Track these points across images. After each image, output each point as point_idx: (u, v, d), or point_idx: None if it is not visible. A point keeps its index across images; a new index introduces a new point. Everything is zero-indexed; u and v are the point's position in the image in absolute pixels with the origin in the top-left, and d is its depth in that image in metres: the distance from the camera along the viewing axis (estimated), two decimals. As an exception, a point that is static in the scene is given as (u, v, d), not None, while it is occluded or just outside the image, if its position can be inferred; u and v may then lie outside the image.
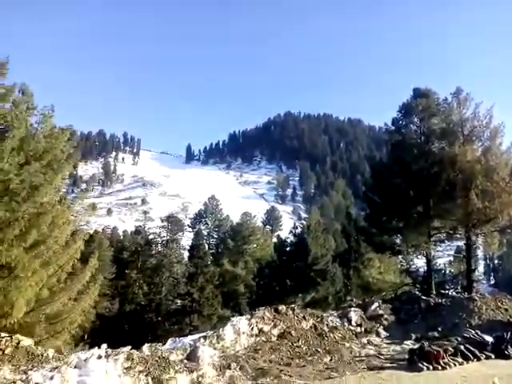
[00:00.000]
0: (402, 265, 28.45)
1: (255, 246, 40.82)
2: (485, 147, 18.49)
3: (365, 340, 9.23)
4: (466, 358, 8.06)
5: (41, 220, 10.59)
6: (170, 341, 7.39)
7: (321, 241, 27.82)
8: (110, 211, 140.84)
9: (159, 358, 6.14)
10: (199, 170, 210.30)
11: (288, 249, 27.37)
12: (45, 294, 11.23)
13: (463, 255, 20.71)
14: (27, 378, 4.73)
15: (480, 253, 49.71)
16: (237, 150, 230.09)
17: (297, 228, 29.17)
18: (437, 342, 8.87)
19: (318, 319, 9.28)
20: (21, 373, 4.87)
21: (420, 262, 26.39)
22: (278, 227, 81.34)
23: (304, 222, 32.74)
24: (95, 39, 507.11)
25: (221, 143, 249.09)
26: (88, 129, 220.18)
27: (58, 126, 12.19)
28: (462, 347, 8.20)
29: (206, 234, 66.25)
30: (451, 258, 37.73)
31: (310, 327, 8.85)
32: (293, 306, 9.43)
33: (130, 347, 6.31)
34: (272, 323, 8.30)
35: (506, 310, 12.41)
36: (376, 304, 11.16)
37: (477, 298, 13.16)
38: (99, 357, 5.57)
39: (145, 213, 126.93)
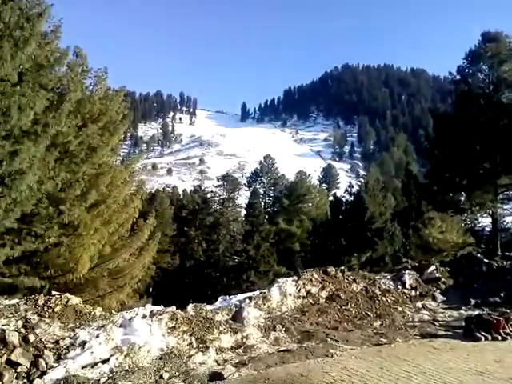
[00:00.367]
0: (465, 224, 27.01)
1: (310, 204, 40.49)
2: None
3: (419, 304, 8.78)
4: (531, 329, 7.29)
5: (100, 180, 10.99)
6: (220, 298, 7.46)
7: (379, 199, 26.95)
8: (170, 171, 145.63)
9: (203, 318, 6.17)
10: (254, 128, 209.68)
11: (344, 207, 26.80)
12: (107, 251, 11.82)
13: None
14: (75, 335, 4.96)
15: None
16: (292, 107, 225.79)
17: (352, 186, 28.37)
18: (498, 309, 8.29)
19: (370, 282, 8.93)
20: (69, 330, 5.12)
21: (486, 221, 24.88)
22: (335, 185, 79.92)
23: (362, 180, 31.82)
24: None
25: (276, 100, 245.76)
26: (146, 90, 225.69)
27: (112, 88, 12.37)
28: (525, 316, 7.44)
29: (262, 192, 66.65)
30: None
31: (361, 290, 8.53)
32: (342, 267, 9.09)
33: (174, 307, 6.42)
34: (320, 285, 8.09)
35: None
36: (433, 266, 10.51)
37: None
38: (144, 316, 5.72)
39: (201, 172, 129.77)
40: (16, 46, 8.11)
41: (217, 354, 5.48)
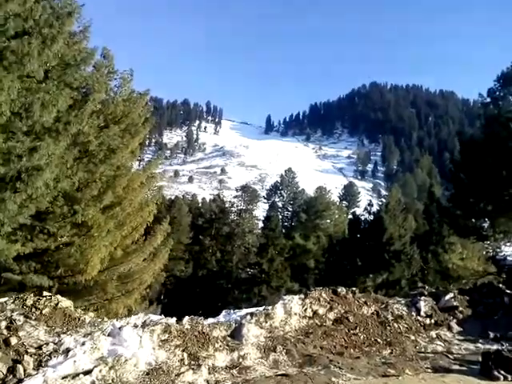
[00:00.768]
0: (487, 252, 26.10)
1: (329, 221, 39.98)
2: None
3: (434, 334, 8.16)
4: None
5: (117, 182, 10.93)
6: (223, 312, 7.13)
7: (399, 220, 26.36)
8: (191, 179, 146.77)
9: (199, 332, 5.77)
10: (278, 141, 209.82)
11: (362, 227, 26.30)
12: (118, 254, 11.70)
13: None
14: (60, 341, 4.66)
15: None
16: (317, 122, 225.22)
17: (372, 205, 27.85)
18: None
19: (382, 306, 8.41)
20: (55, 335, 4.81)
21: (508, 250, 23.97)
22: (355, 204, 78.81)
23: (383, 200, 31.28)
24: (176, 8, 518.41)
25: (301, 114, 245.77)
26: (174, 98, 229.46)
27: (136, 91, 12.41)
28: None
29: (280, 206, 66.33)
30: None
31: (372, 314, 8.01)
32: (354, 288, 8.62)
33: (170, 318, 6.12)
34: (328, 306, 7.61)
35: None
36: (451, 294, 9.85)
37: None
38: (135, 326, 5.37)
39: (220, 182, 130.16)
40: (44, 43, 8.17)
41: (209, 373, 5.05)
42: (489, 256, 25.04)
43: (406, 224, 26.94)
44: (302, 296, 7.56)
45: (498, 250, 26.65)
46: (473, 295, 10.54)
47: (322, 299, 7.58)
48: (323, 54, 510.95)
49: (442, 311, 9.19)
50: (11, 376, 4.11)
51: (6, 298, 5.45)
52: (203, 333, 5.76)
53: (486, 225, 18.46)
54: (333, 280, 23.03)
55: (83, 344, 4.65)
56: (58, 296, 5.92)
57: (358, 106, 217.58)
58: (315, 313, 7.37)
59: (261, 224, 40.75)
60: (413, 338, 7.68)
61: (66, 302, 5.71)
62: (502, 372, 6.09)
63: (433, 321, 8.73)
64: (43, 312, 5.28)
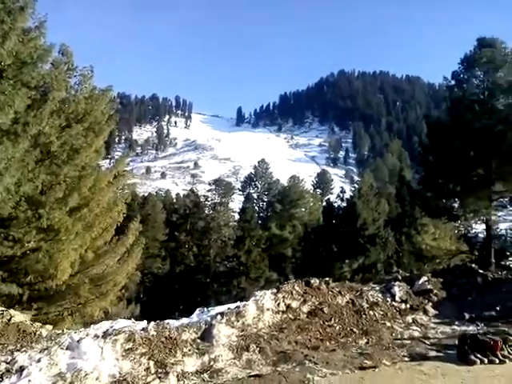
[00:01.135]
0: (458, 231, 26.76)
1: (303, 210, 40.15)
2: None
3: (410, 319, 8.12)
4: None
5: (82, 183, 10.55)
6: (197, 311, 6.90)
7: (372, 205, 26.68)
8: (163, 174, 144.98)
9: (166, 338, 5.50)
10: (250, 132, 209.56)
11: (336, 213, 26.50)
12: (90, 257, 11.36)
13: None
14: (13, 359, 4.31)
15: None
16: (288, 112, 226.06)
17: (344, 192, 28.07)
18: (493, 325, 7.73)
19: (357, 294, 8.33)
20: (7, 353, 4.45)
21: (479, 228, 24.62)
22: (329, 191, 79.58)
23: (356, 186, 31.59)
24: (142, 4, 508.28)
25: (271, 105, 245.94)
26: (141, 93, 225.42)
27: (98, 88, 11.95)
28: (527, 336, 6.67)
29: (255, 197, 66.30)
30: (515, 224, 35.09)
31: (347, 303, 7.89)
32: (327, 278, 8.48)
33: (134, 325, 5.82)
34: (302, 298, 7.44)
35: None
36: (424, 277, 9.88)
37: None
38: (96, 336, 5.06)
39: (193, 176, 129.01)
40: (-5, 40, 7.75)
41: (178, 380, 4.82)
42: (461, 234, 25.72)
43: (379, 208, 27.29)
44: (275, 290, 7.40)
45: (469, 228, 27.42)
46: (446, 277, 10.63)
47: (294, 292, 7.43)
48: (291, 45, 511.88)
49: (416, 295, 9.19)
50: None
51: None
52: (170, 338, 5.48)
53: (456, 205, 18.82)
54: (310, 268, 23.18)
55: (39, 361, 4.33)
56: (11, 310, 5.58)
57: (327, 94, 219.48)
58: (288, 307, 7.21)
59: (237, 216, 40.62)
60: (389, 324, 7.63)
61: (19, 317, 5.39)
62: (479, 355, 6.12)
63: (408, 305, 8.70)
64: (-5, 328, 4.90)
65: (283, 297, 7.22)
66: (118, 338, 5.06)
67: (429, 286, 9.55)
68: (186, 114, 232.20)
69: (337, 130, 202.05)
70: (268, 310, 6.87)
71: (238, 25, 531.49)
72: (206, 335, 5.84)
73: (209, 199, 38.32)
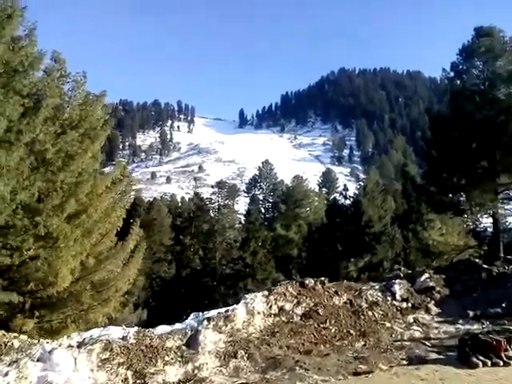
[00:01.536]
0: (467, 225, 26.36)
1: (308, 209, 39.90)
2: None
3: (411, 318, 7.73)
4: (538, 350, 6.01)
5: (79, 189, 10.46)
6: (192, 315, 6.65)
7: (378, 202, 26.35)
8: (168, 179, 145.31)
9: (146, 346, 5.22)
10: (253, 134, 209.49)
11: (341, 212, 26.21)
12: (91, 263, 11.28)
13: (536, 213, 18.53)
14: None
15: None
16: (290, 112, 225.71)
17: (347, 190, 27.79)
18: (499, 322, 7.38)
19: (356, 293, 7.99)
20: None
21: (488, 222, 24.23)
22: (335, 190, 79.20)
23: (362, 184, 31.29)
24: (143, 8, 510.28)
25: (273, 106, 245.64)
26: (143, 99, 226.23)
27: (92, 93, 11.90)
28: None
29: (261, 198, 66.12)
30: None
31: (344, 303, 7.53)
32: (323, 278, 8.13)
33: (113, 333, 5.55)
34: (295, 300, 7.09)
35: None
36: (426, 275, 9.47)
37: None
38: (69, 347, 4.82)
39: (195, 179, 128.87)
40: (-17, 49, 7.69)
41: None
42: (469, 229, 25.33)
43: (385, 205, 26.97)
44: (266, 293, 7.10)
45: (478, 222, 26.99)
46: (449, 273, 10.22)
47: (288, 294, 7.13)
48: (290, 45, 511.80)
49: (418, 293, 8.82)
50: None
51: None
52: (151, 346, 5.22)
53: (462, 199, 18.49)
54: (315, 268, 22.94)
55: (6, 374, 4.09)
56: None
57: (329, 92, 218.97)
58: (281, 309, 6.90)
59: (243, 218, 40.45)
60: (388, 325, 7.30)
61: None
62: (481, 357, 5.71)
63: (409, 304, 8.35)
64: (-36, 341, 4.68)
65: (275, 299, 6.92)
66: (93, 348, 4.83)
67: (431, 284, 9.19)
68: (189, 118, 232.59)
69: (340, 128, 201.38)
70: (259, 313, 6.58)
71: (235, 27, 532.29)
72: (192, 342, 5.57)
73: (213, 202, 38.15)
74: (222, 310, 6.53)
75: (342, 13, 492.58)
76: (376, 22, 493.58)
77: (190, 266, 32.28)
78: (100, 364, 4.75)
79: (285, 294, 7.12)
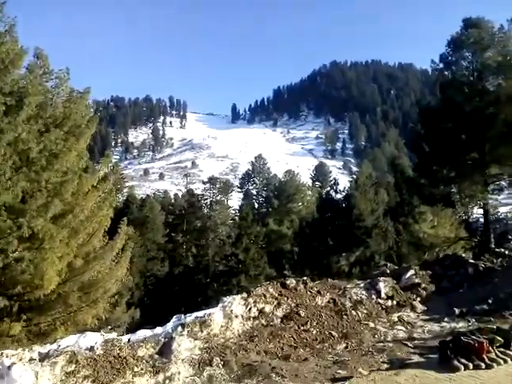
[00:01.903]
0: (459, 217, 26.35)
1: (300, 204, 39.76)
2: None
3: (395, 317, 7.50)
4: (523, 351, 5.77)
5: (64, 189, 10.23)
6: (174, 318, 6.43)
7: (370, 195, 26.22)
8: (162, 175, 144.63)
9: (115, 357, 4.95)
10: (246, 129, 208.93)
11: (332, 206, 26.05)
12: (78, 264, 11.08)
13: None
14: None
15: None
16: (282, 106, 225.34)
17: (338, 184, 27.64)
18: (485, 320, 7.17)
19: (340, 292, 7.80)
20: None
21: (480, 213, 24.23)
22: (328, 183, 79.16)
23: (355, 177, 31.17)
24: (135, 3, 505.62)
25: (266, 100, 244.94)
26: (135, 95, 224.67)
27: (76, 90, 11.66)
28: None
29: (255, 193, 65.93)
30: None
31: (328, 303, 7.29)
32: (305, 278, 7.92)
33: (80, 345, 5.29)
34: (276, 302, 6.81)
35: None
36: (412, 271, 9.26)
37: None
38: (30, 360, 4.56)
39: (186, 176, 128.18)
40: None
41: None
42: (461, 221, 25.35)
43: (377, 198, 26.84)
44: (245, 295, 6.87)
45: (469, 214, 27.01)
46: (435, 269, 10.03)
47: (268, 295, 6.88)
48: (281, 38, 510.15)
49: (404, 290, 8.63)
50: None
51: None
52: (119, 356, 4.97)
53: (453, 191, 18.45)
54: (307, 263, 22.87)
55: None
56: None
57: (321, 85, 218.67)
58: (261, 312, 6.65)
59: (237, 214, 40.23)
60: (372, 325, 7.08)
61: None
62: (463, 360, 5.46)
63: (395, 302, 8.16)
64: None
65: (255, 301, 6.67)
66: (57, 361, 4.59)
67: (416, 280, 8.99)
68: (181, 113, 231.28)
69: (332, 121, 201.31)
70: (237, 316, 6.34)
71: (225, 22, 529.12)
72: (165, 350, 5.32)
73: (205, 198, 37.87)
74: (201, 313, 6.32)
75: (335, 6, 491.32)
76: (367, 13, 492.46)
77: (182, 264, 32.07)
78: (64, 378, 4.53)
79: (265, 296, 6.89)
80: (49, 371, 4.53)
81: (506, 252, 13.05)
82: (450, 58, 17.36)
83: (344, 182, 36.83)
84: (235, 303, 6.56)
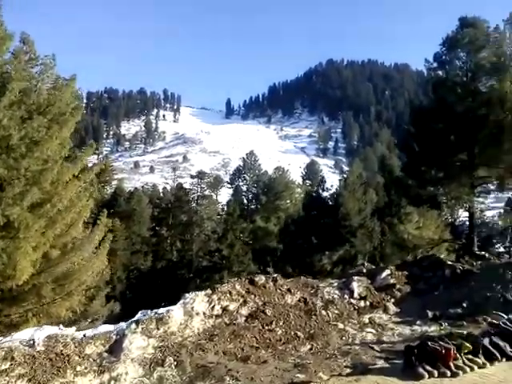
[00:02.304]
0: (446, 219, 26.23)
1: (288, 201, 39.43)
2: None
3: (366, 319, 7.21)
4: (491, 358, 5.50)
5: (43, 177, 9.84)
6: (139, 313, 6.06)
7: (358, 195, 25.99)
8: (152, 169, 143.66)
9: (57, 354, 4.61)
10: (239, 124, 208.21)
11: (318, 204, 25.76)
12: (55, 254, 10.71)
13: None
14: None
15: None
16: (277, 103, 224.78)
17: (325, 182, 27.36)
18: (458, 323, 6.89)
19: (312, 291, 7.48)
20: None
21: (466, 216, 24.13)
22: (318, 182, 78.90)
23: (345, 176, 30.92)
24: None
25: (261, 96, 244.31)
26: (129, 87, 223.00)
27: (62, 77, 11.27)
28: (485, 341, 5.58)
29: (245, 189, 65.49)
30: (501, 211, 34.90)
31: (298, 302, 6.99)
32: (275, 275, 7.59)
33: (20, 339, 4.90)
34: (242, 299, 6.56)
35: None
36: (387, 271, 8.96)
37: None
38: None
39: (174, 169, 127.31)
40: None
41: None
42: (447, 223, 25.21)
43: (365, 198, 26.63)
44: (209, 291, 6.54)
45: (456, 216, 26.91)
46: (413, 270, 9.75)
47: (234, 292, 6.55)
48: (278, 34, 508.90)
49: (378, 291, 8.34)
50: None
51: None
52: (62, 354, 4.62)
53: (439, 192, 18.23)
54: (290, 260, 22.54)
55: None
56: None
57: (316, 84, 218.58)
58: (225, 309, 6.33)
59: (225, 209, 39.80)
60: (341, 326, 6.76)
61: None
62: (428, 367, 5.14)
63: (368, 303, 7.87)
64: None
65: (219, 298, 6.35)
66: None
67: (392, 281, 8.69)
68: (175, 107, 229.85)
69: (326, 120, 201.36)
70: (198, 314, 5.99)
71: (223, 15, 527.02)
72: (116, 348, 4.97)
73: (193, 192, 37.39)
74: (162, 310, 5.93)
75: (332, 7, 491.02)
76: (364, 13, 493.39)
77: (166, 258, 31.67)
78: None
79: (230, 293, 6.54)
80: (-20, 369, 4.14)
81: (487, 255, 12.79)
82: (444, 57, 17.07)
83: (335, 180, 36.58)
84: (198, 300, 6.23)
